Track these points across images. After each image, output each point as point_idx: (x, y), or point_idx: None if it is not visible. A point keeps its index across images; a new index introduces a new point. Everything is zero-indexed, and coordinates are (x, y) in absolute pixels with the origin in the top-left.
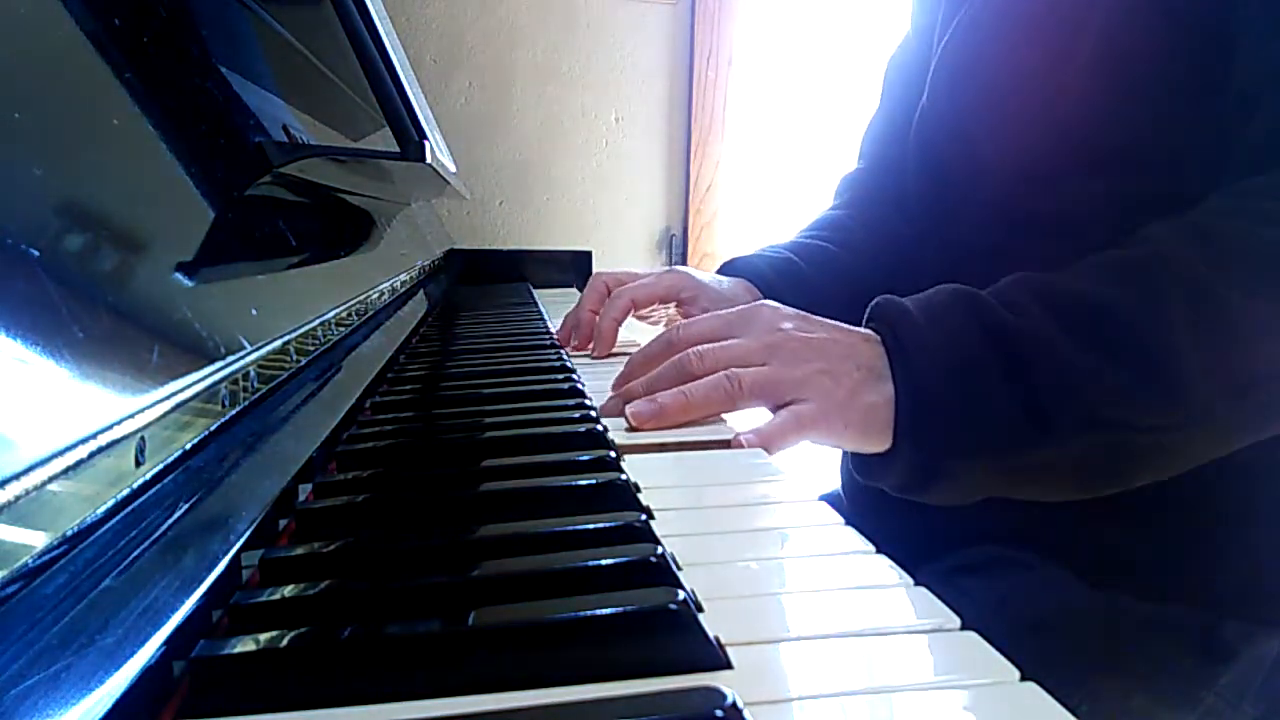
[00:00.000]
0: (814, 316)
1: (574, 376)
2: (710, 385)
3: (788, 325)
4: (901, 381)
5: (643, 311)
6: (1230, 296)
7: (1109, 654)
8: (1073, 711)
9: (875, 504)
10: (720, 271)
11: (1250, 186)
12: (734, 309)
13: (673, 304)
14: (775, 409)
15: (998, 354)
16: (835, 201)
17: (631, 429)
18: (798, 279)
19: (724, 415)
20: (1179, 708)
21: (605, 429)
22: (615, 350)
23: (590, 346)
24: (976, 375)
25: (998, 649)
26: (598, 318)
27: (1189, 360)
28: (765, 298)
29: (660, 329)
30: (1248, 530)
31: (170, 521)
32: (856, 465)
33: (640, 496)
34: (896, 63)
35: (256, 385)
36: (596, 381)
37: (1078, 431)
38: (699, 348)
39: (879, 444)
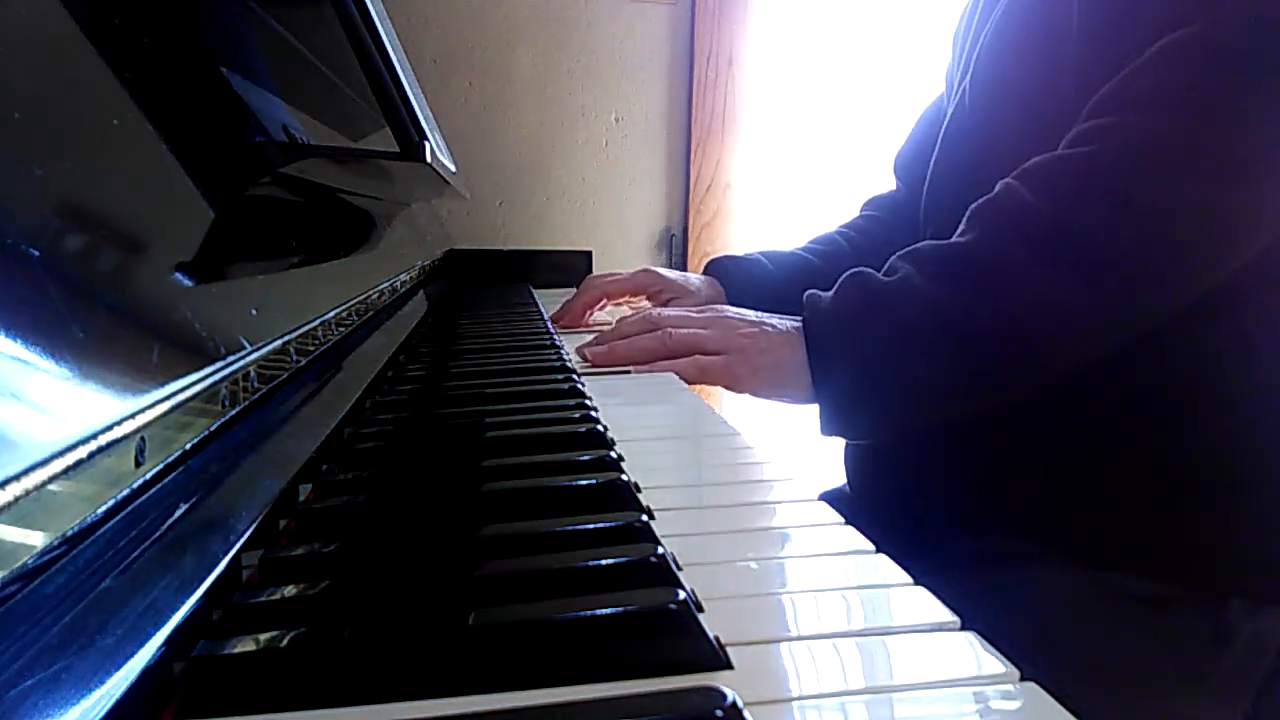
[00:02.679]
0: (772, 318)
1: (574, 376)
2: (684, 364)
3: (744, 326)
4: (810, 338)
5: (618, 302)
6: (1048, 216)
7: (1112, 638)
8: (1076, 704)
9: (880, 496)
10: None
11: (1093, 109)
12: (704, 310)
13: (643, 297)
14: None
15: (870, 303)
16: (860, 213)
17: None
18: (755, 274)
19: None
20: (1184, 693)
21: (605, 428)
22: (581, 329)
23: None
24: (857, 318)
25: (1001, 641)
26: (570, 305)
27: (1019, 271)
28: (726, 290)
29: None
30: (1251, 509)
31: (170, 521)
32: (820, 426)
33: (640, 496)
34: (928, 113)
35: (256, 385)
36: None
37: (947, 348)
38: (672, 330)
39: (794, 392)
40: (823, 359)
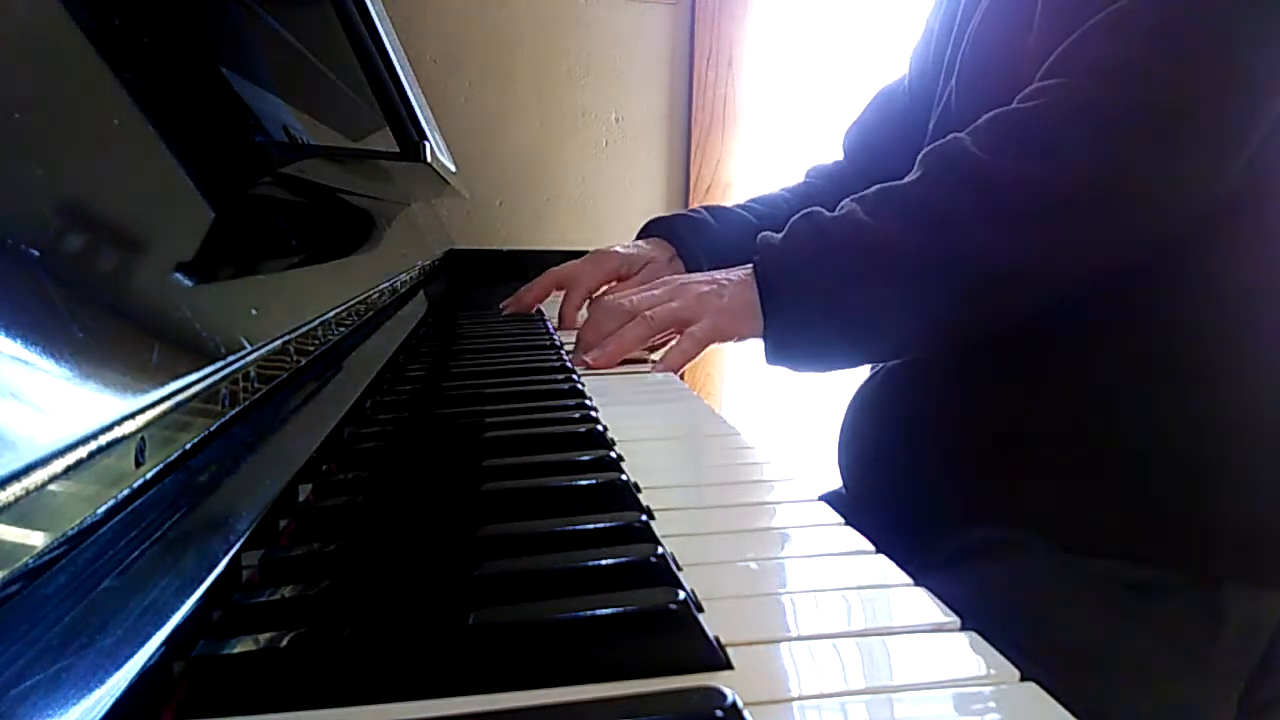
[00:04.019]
0: (719, 272)
1: (574, 376)
2: (684, 343)
3: (703, 286)
4: (759, 275)
5: (598, 292)
6: (986, 161)
7: (1108, 625)
8: (1072, 693)
9: (873, 495)
10: (641, 232)
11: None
12: (659, 285)
13: (614, 280)
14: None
15: (815, 236)
16: (802, 179)
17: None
18: (703, 231)
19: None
20: (1180, 677)
21: (605, 428)
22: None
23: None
24: (801, 252)
25: (997, 632)
26: (563, 312)
27: (955, 210)
28: (676, 249)
29: None
30: (1244, 492)
31: (170, 522)
32: (765, 354)
33: (640, 496)
34: (887, 91)
35: (257, 385)
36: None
37: (885, 281)
38: (648, 312)
39: (760, 327)
40: (770, 291)
